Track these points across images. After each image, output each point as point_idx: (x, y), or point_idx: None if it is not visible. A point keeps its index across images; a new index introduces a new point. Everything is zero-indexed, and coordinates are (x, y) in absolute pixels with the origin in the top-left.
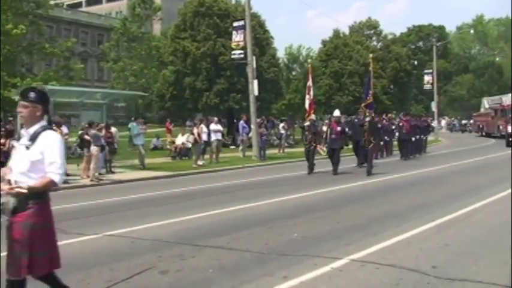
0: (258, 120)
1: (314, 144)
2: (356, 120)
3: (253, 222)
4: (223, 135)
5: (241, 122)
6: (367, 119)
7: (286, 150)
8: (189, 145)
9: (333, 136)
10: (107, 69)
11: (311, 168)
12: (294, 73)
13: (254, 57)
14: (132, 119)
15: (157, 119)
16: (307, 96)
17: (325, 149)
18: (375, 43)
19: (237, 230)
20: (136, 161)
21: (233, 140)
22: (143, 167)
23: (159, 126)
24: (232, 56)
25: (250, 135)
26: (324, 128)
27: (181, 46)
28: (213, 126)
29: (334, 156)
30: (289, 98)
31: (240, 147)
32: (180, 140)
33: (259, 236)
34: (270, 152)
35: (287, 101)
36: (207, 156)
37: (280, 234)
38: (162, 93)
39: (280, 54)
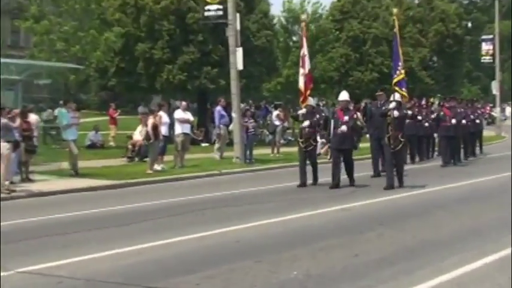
0: (243, 105)
1: (314, 143)
2: (374, 107)
3: (233, 254)
4: (192, 128)
5: (218, 108)
6: (392, 105)
7: (283, 149)
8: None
9: (340, 131)
10: (24, 30)
11: (314, 179)
12: (294, 38)
13: (238, 16)
14: (61, 103)
15: (96, 103)
16: (300, 71)
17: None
18: None
19: (210, 266)
20: (65, 164)
21: (206, 134)
22: (75, 172)
23: (99, 113)
24: (206, 14)
25: (230, 127)
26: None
27: None
28: (177, 114)
29: (344, 161)
30: (287, 74)
31: (216, 145)
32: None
33: (243, 274)
34: (259, 152)
35: (284, 79)
36: (168, 158)
37: (272, 271)
38: (103, 66)
39: (276, 11)
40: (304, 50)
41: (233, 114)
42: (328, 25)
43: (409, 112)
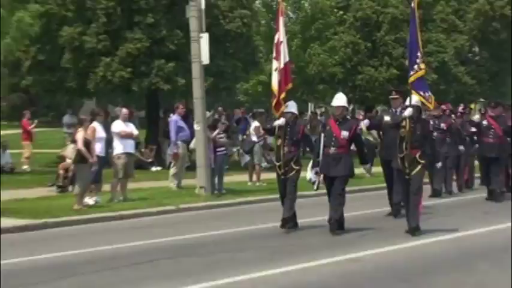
0: (209, 114)
1: (296, 167)
2: (387, 117)
3: None
4: (137, 145)
5: (175, 118)
6: (407, 112)
7: (265, 176)
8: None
9: (332, 150)
10: None
11: (290, 219)
12: None
13: None
14: None
15: (5, 110)
16: (274, 64)
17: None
18: None
19: None
20: None
21: (158, 154)
22: None
23: (9, 125)
24: None
25: (192, 145)
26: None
27: None
28: (116, 127)
29: (334, 192)
30: (271, 70)
31: (172, 170)
32: (71, 150)
33: None
34: (232, 179)
35: (268, 77)
36: (104, 188)
37: None
38: (15, 58)
39: None
40: (280, 35)
41: (195, 126)
42: (328, 2)
43: (442, 125)
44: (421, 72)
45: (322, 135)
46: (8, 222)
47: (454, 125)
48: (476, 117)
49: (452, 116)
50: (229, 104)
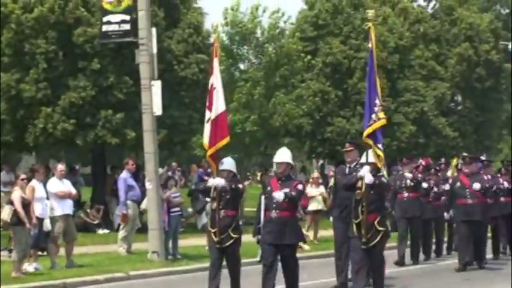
0: (162, 170)
1: (235, 235)
2: (339, 175)
3: None
4: (81, 205)
5: (125, 175)
6: (364, 170)
7: None
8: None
9: (274, 214)
10: None
11: None
12: (243, 66)
13: (154, 31)
14: None
15: None
16: (206, 114)
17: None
18: None
19: None
20: None
21: (105, 215)
22: None
23: None
24: (106, 28)
25: (143, 205)
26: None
27: None
28: (52, 186)
29: (282, 265)
30: (233, 121)
31: (121, 233)
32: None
33: None
34: (187, 242)
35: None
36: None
37: None
38: None
39: (214, 21)
40: (214, 80)
41: (147, 185)
42: (295, 46)
43: (425, 185)
44: (380, 123)
45: (263, 197)
46: None
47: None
48: (449, 173)
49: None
50: (184, 159)
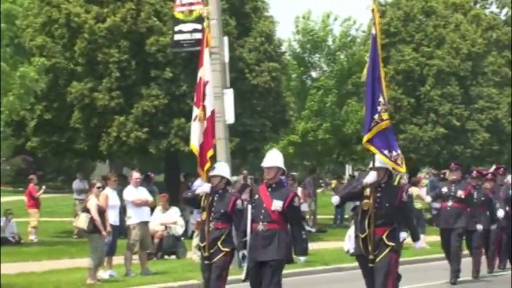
0: (236, 178)
1: (225, 249)
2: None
3: None
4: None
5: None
6: (370, 177)
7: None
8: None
9: (261, 226)
10: None
11: None
12: (314, 74)
13: (226, 40)
14: None
15: (8, 175)
16: (194, 111)
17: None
18: None
19: None
20: None
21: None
22: None
23: (13, 191)
24: (178, 38)
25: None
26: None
27: (64, 14)
28: (128, 194)
29: (265, 284)
30: (304, 129)
31: (196, 240)
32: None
33: None
34: None
35: (300, 137)
36: (119, 261)
37: None
38: (19, 117)
39: (285, 31)
40: (205, 73)
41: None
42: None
43: (460, 192)
44: (383, 124)
45: (250, 206)
46: None
47: (482, 191)
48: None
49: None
50: (257, 167)
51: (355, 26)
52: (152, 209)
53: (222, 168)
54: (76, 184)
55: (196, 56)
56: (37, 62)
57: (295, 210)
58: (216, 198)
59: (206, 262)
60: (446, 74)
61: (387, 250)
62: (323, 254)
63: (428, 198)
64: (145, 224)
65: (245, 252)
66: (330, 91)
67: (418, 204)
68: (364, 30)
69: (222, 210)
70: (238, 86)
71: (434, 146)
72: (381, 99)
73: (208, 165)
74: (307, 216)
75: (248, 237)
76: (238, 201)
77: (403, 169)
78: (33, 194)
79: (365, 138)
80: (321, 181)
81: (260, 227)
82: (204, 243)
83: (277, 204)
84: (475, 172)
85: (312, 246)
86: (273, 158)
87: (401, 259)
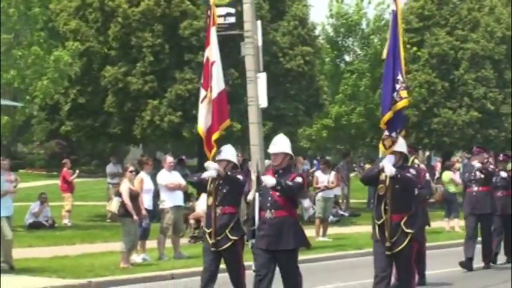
0: (268, 162)
1: (233, 237)
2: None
3: None
4: (188, 196)
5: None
6: (387, 161)
7: (333, 231)
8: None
9: (268, 214)
10: None
11: None
12: (348, 58)
13: (260, 24)
14: None
15: (42, 159)
16: (201, 93)
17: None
18: None
19: None
20: None
21: None
22: (9, 266)
23: (47, 175)
24: None
25: (249, 197)
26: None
27: None
28: (162, 178)
29: (282, 274)
30: (337, 112)
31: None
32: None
33: None
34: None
35: (333, 120)
36: (152, 244)
37: None
38: (53, 101)
39: (319, 15)
40: (212, 52)
41: (253, 177)
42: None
43: (503, 174)
44: (402, 103)
45: (257, 194)
46: (48, 282)
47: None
48: None
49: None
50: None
51: (388, 9)
52: (184, 194)
53: (228, 152)
54: (110, 168)
55: (231, 40)
56: (71, 46)
57: (294, 182)
58: (222, 183)
59: (213, 249)
60: (481, 57)
61: (407, 240)
62: (356, 238)
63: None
64: (178, 208)
65: (253, 241)
66: (363, 75)
67: (451, 188)
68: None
69: (230, 196)
70: (272, 70)
71: (468, 130)
72: (399, 77)
73: (214, 150)
74: (340, 200)
75: (256, 226)
76: (245, 183)
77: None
78: (67, 178)
79: (385, 118)
80: (354, 165)
81: (268, 214)
82: (210, 230)
83: (268, 180)
84: (502, 156)
85: (345, 230)
86: (280, 144)
87: (436, 243)
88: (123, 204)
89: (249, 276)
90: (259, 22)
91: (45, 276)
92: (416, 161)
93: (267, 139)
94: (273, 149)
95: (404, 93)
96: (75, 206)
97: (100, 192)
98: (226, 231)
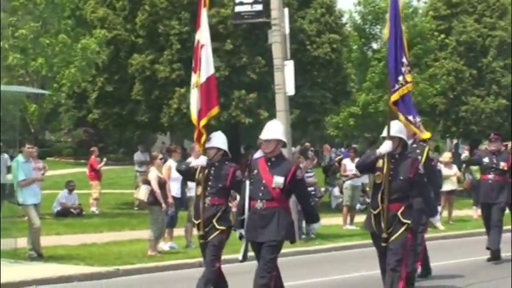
0: (295, 149)
1: (221, 227)
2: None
3: None
4: None
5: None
6: (385, 146)
7: (360, 218)
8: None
9: (259, 204)
10: None
11: None
12: (376, 46)
13: (287, 11)
14: (17, 148)
15: (70, 147)
16: (192, 78)
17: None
18: None
19: None
20: (21, 242)
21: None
22: (37, 254)
23: (75, 163)
24: (238, 9)
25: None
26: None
27: None
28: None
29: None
30: (365, 100)
31: None
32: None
33: None
34: (322, 221)
35: (361, 108)
36: (179, 232)
37: None
38: (80, 89)
39: (346, 2)
40: (202, 35)
41: None
42: (428, 25)
43: (502, 164)
44: (408, 87)
45: (248, 182)
46: (76, 269)
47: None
48: None
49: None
50: (317, 139)
51: None
52: None
53: (219, 139)
54: (137, 156)
55: (258, 27)
56: (98, 34)
57: (299, 182)
58: (212, 172)
59: (201, 241)
60: (509, 44)
61: (403, 229)
62: None
63: None
64: None
65: (242, 231)
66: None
67: (479, 176)
68: (426, 1)
69: (219, 185)
70: (299, 57)
71: (496, 118)
72: (404, 59)
73: (204, 136)
74: (368, 189)
75: (246, 216)
76: (238, 172)
77: (427, 135)
78: (95, 166)
79: (392, 100)
80: None
81: (259, 204)
82: (199, 221)
83: (278, 181)
84: (492, 135)
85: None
86: (272, 129)
87: (463, 231)
88: (152, 192)
89: (235, 268)
90: (286, 10)
91: (73, 263)
92: (430, 153)
93: (294, 127)
94: (265, 135)
95: (409, 77)
96: (102, 194)
97: (127, 180)
98: (214, 220)
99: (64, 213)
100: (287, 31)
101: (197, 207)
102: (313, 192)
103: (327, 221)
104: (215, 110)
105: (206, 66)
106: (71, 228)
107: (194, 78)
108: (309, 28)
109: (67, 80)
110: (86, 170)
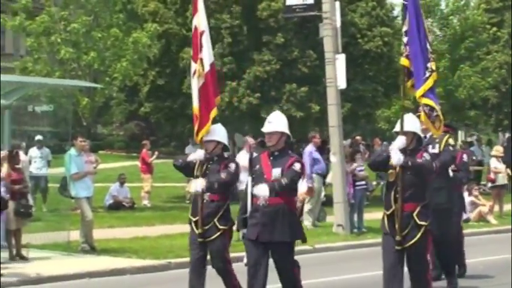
0: (347, 143)
1: (222, 227)
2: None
3: None
4: None
5: (310, 148)
6: (398, 142)
7: None
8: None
9: (262, 201)
10: (11, 30)
11: None
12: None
13: (338, 5)
14: (70, 142)
15: (122, 140)
16: (192, 66)
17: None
18: None
19: None
20: (74, 235)
21: None
22: (89, 247)
23: (126, 156)
24: (289, 2)
25: (328, 179)
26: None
27: None
28: (243, 159)
29: (278, 271)
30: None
31: (307, 206)
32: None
33: None
34: (372, 216)
35: (412, 102)
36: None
37: None
38: (132, 83)
39: None
40: (200, 21)
41: (332, 158)
42: (480, 17)
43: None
44: (434, 76)
45: (250, 178)
46: (128, 262)
47: None
48: None
49: None
50: (368, 132)
51: None
52: None
53: (218, 132)
54: (188, 149)
55: (309, 21)
56: (149, 28)
57: (291, 172)
58: (210, 166)
59: (200, 240)
60: None
61: (420, 233)
62: None
63: None
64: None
65: (244, 231)
66: (442, 56)
67: None
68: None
69: (218, 181)
70: (350, 51)
71: None
72: (428, 46)
73: (207, 127)
74: None
75: (248, 214)
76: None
77: (438, 132)
78: (146, 160)
79: (421, 91)
80: None
81: (261, 201)
82: (197, 218)
83: (276, 173)
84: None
85: None
86: (276, 122)
87: (506, 227)
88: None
89: (238, 267)
90: (337, 3)
91: (125, 256)
92: (450, 140)
93: (346, 120)
94: (268, 127)
95: (434, 65)
96: (154, 187)
97: (179, 174)
98: (215, 219)
99: (116, 206)
100: (338, 24)
101: (195, 203)
102: (364, 186)
103: (379, 215)
104: (218, 99)
105: (208, 53)
106: (123, 221)
107: (195, 67)
108: (360, 21)
109: (119, 74)
110: (137, 163)
